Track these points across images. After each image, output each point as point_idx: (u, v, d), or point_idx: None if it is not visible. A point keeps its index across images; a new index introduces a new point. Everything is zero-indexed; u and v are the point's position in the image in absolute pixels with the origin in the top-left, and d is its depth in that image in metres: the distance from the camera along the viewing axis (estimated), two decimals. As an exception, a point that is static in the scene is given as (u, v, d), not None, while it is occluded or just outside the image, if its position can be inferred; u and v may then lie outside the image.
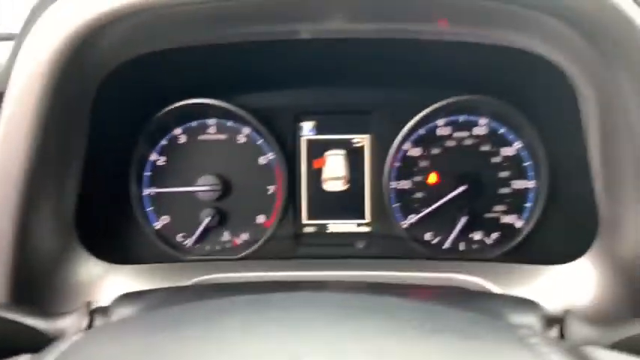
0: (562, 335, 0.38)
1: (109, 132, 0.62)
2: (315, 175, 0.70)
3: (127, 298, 0.45)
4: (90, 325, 0.39)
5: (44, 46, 0.47)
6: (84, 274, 0.60)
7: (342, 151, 0.69)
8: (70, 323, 0.40)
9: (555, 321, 0.40)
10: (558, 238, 0.66)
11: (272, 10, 0.55)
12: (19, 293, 0.51)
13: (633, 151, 0.52)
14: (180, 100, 0.67)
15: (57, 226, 0.60)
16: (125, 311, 0.40)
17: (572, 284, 0.58)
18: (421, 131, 0.67)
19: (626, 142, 0.56)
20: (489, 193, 0.68)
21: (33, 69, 0.49)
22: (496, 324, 0.27)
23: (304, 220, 0.70)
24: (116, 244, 0.66)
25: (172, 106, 0.67)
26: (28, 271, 0.53)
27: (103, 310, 0.41)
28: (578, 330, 0.36)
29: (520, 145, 0.67)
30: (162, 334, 0.24)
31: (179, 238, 0.69)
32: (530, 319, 0.38)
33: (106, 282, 0.61)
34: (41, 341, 0.39)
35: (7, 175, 0.52)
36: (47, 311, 0.43)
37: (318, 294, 0.28)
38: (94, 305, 0.43)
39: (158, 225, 0.69)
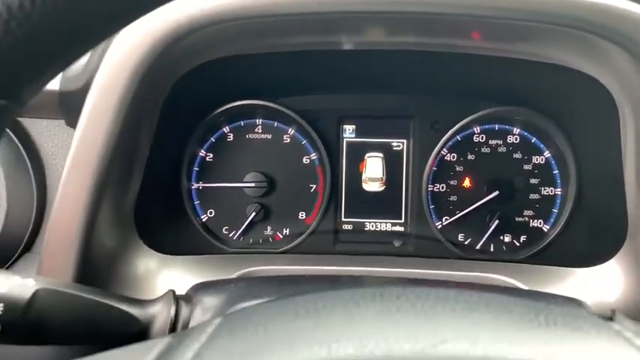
0: None
1: (167, 132, 0.65)
2: (355, 176, 0.73)
3: (204, 286, 0.48)
4: (177, 311, 0.43)
5: (129, 51, 0.51)
6: (142, 265, 0.63)
7: (381, 154, 0.73)
8: (159, 309, 0.44)
9: (605, 319, 0.43)
10: (584, 242, 0.69)
11: (317, 23, 0.58)
12: (85, 283, 0.54)
13: None
14: (231, 101, 0.70)
15: (119, 220, 0.62)
16: (207, 299, 0.44)
17: (599, 286, 0.63)
18: (458, 138, 0.71)
19: None
20: (519, 198, 0.71)
21: (116, 72, 0.52)
22: (585, 315, 0.31)
23: (343, 218, 0.73)
24: (168, 237, 0.69)
25: (224, 107, 0.70)
26: (93, 262, 0.57)
27: (186, 298, 0.44)
28: (629, 327, 0.40)
29: (549, 155, 0.70)
30: (305, 321, 0.28)
31: (224, 230, 0.73)
32: None
33: (161, 272, 0.65)
34: (132, 326, 0.42)
35: (81, 172, 0.55)
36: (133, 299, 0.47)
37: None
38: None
39: (204, 218, 0.72)
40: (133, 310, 0.44)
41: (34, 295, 0.41)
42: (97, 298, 0.45)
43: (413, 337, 0.25)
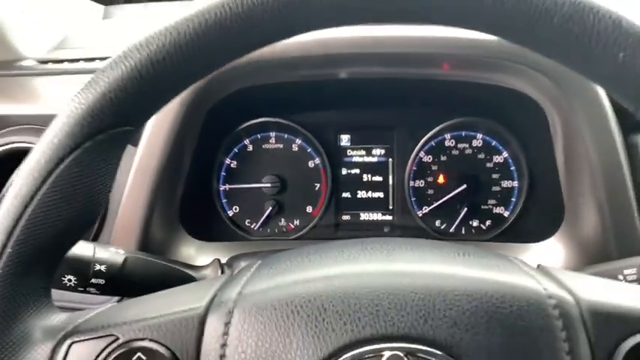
0: None
1: (202, 146, 0.80)
2: (352, 176, 0.88)
3: (239, 256, 0.64)
4: (222, 273, 0.59)
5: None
6: (184, 249, 0.79)
7: (371, 158, 0.87)
8: (210, 272, 0.60)
9: None
10: (535, 224, 0.83)
11: (320, 60, 0.72)
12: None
13: (589, 166, 0.70)
14: (250, 119, 0.86)
15: (168, 216, 0.78)
16: (243, 263, 0.60)
17: (546, 258, 0.78)
18: (432, 143, 0.85)
19: (582, 159, 0.70)
20: (484, 190, 0.85)
21: (170, 109, 0.69)
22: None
23: (343, 211, 0.88)
24: (204, 228, 0.84)
25: (245, 124, 0.86)
26: (150, 248, 0.72)
27: (227, 264, 0.61)
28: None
29: (507, 155, 0.85)
30: (316, 255, 0.43)
31: (246, 223, 0.88)
32: None
33: (199, 255, 0.81)
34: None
35: (141, 181, 0.70)
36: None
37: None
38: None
39: (231, 213, 0.88)
40: (192, 272, 0.61)
41: (125, 260, 0.56)
42: (167, 264, 0.62)
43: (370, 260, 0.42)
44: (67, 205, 0.39)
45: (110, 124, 0.39)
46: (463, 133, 0.85)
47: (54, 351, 0.39)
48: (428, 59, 0.74)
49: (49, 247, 0.40)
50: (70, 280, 0.53)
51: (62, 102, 0.76)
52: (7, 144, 0.75)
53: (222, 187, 0.87)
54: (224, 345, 0.38)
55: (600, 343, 0.37)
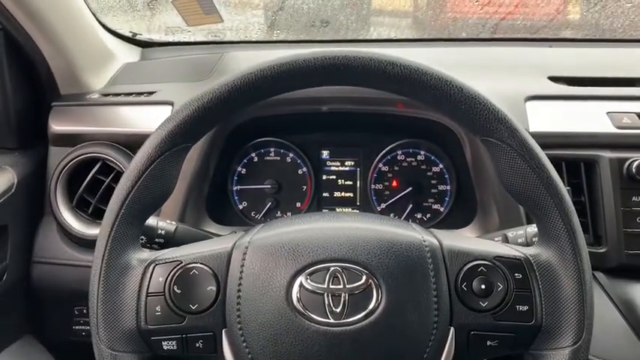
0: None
1: (222, 158, 1.03)
2: (330, 181, 1.08)
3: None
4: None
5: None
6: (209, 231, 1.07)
7: (344, 167, 1.10)
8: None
9: None
10: (460, 216, 1.02)
11: (311, 99, 0.96)
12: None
13: (488, 175, 0.91)
14: (256, 139, 1.06)
15: (198, 207, 0.98)
16: None
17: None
18: (388, 157, 1.06)
19: (483, 171, 0.93)
20: (425, 192, 1.05)
21: None
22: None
23: (323, 206, 1.07)
24: (224, 217, 1.04)
25: (252, 142, 1.07)
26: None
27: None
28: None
29: (442, 166, 1.06)
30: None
31: (252, 214, 1.07)
32: None
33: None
34: None
35: (181, 182, 0.85)
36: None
37: None
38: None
39: (241, 207, 1.08)
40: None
41: (176, 228, 0.77)
42: (203, 232, 0.84)
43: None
44: (153, 188, 0.62)
45: (179, 143, 0.61)
46: (410, 150, 1.06)
47: (144, 272, 0.62)
48: (387, 101, 0.95)
49: (142, 212, 0.64)
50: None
51: (123, 124, 1.03)
52: (84, 154, 0.97)
53: (235, 188, 1.07)
54: (242, 268, 0.61)
55: (451, 268, 0.61)
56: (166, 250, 0.65)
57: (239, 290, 0.59)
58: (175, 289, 0.60)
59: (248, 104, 0.61)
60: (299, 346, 0.58)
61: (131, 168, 0.62)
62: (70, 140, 1.00)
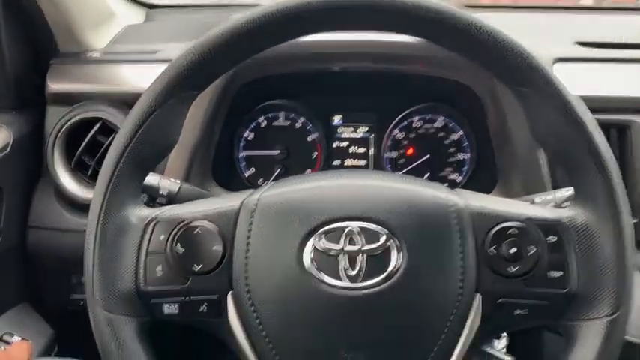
0: None
1: (228, 122, 1.00)
2: (341, 148, 1.07)
3: None
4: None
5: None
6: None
7: (357, 135, 1.07)
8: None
9: None
10: (479, 185, 0.97)
11: (322, 56, 0.93)
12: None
13: (511, 141, 0.88)
14: (265, 101, 1.05)
15: (203, 172, 0.95)
16: None
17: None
18: (404, 123, 1.04)
19: (506, 136, 0.89)
20: (442, 161, 1.01)
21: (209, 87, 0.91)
22: None
23: None
24: (231, 184, 1.03)
25: (260, 105, 1.05)
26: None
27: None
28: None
29: (461, 133, 1.04)
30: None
31: (259, 182, 1.04)
32: None
33: None
34: None
35: (183, 146, 0.88)
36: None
37: None
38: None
39: (247, 174, 1.07)
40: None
41: (180, 188, 0.73)
42: (208, 192, 0.82)
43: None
44: (155, 140, 0.59)
45: (183, 90, 0.57)
46: (428, 116, 1.02)
47: (144, 230, 0.58)
48: (405, 58, 0.92)
49: (142, 165, 0.62)
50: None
51: (125, 83, 1.00)
52: (83, 113, 0.96)
53: (241, 154, 1.04)
54: (250, 227, 0.57)
55: (478, 230, 0.56)
56: (168, 207, 0.62)
57: (247, 251, 0.56)
58: (178, 248, 0.57)
59: (264, 46, 0.57)
60: (311, 311, 0.55)
61: (131, 117, 0.58)
62: (69, 100, 0.96)
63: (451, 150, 1.03)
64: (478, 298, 0.56)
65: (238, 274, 0.56)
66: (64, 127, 0.96)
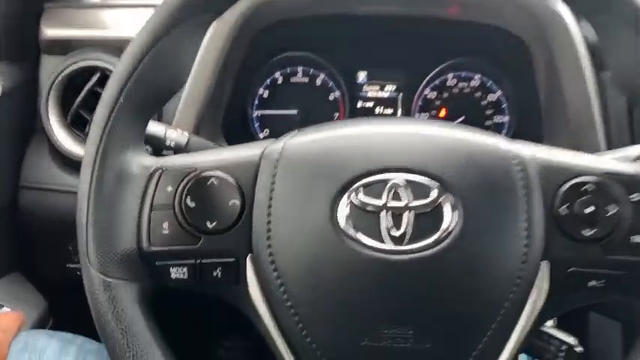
0: None
1: (240, 76, 0.91)
2: (365, 107, 1.00)
3: None
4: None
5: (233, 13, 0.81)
6: None
7: (384, 94, 0.99)
8: None
9: None
10: None
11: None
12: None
13: (564, 100, 0.79)
14: (281, 53, 0.97)
15: (214, 132, 0.88)
16: None
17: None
18: (436, 81, 0.96)
19: (559, 94, 0.80)
20: (478, 124, 0.90)
21: (221, 28, 0.81)
22: None
23: None
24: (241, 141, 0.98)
25: (276, 57, 0.97)
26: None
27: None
28: None
29: (500, 93, 0.96)
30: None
31: None
32: None
33: None
34: None
35: (192, 100, 0.81)
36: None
37: None
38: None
39: (262, 135, 1.00)
40: None
41: (189, 140, 0.68)
42: (220, 146, 0.76)
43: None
44: (160, 73, 0.54)
45: (192, 14, 0.51)
46: (463, 74, 0.95)
47: (148, 180, 0.52)
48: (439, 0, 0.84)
49: (146, 104, 0.54)
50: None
51: (127, 29, 0.90)
52: (81, 61, 0.88)
53: (255, 114, 0.99)
54: (274, 179, 0.51)
55: (547, 186, 0.49)
56: (177, 156, 0.56)
57: (270, 206, 0.49)
58: (188, 201, 0.50)
59: None
60: (345, 278, 0.48)
61: (132, 47, 0.52)
62: (65, 47, 0.90)
63: (488, 112, 0.96)
64: (545, 266, 0.49)
65: (259, 234, 0.49)
66: (60, 76, 0.89)
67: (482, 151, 0.51)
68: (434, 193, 0.48)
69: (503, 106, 0.98)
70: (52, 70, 0.88)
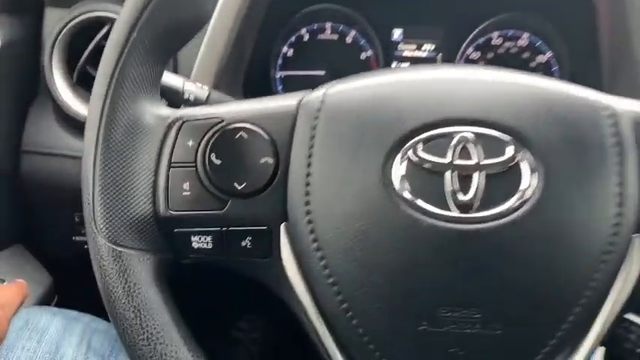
0: None
1: (262, 35, 0.83)
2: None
3: None
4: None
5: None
6: None
7: (421, 53, 0.91)
8: None
9: None
10: None
11: None
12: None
13: (633, 64, 0.72)
14: (308, 5, 0.89)
15: (235, 86, 0.81)
16: None
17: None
18: (480, 40, 0.88)
19: (627, 57, 0.73)
20: None
21: None
22: None
23: None
24: None
25: (302, 12, 0.89)
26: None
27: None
28: None
29: (551, 55, 0.88)
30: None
31: None
32: None
33: None
34: None
35: (212, 52, 0.74)
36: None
37: None
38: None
39: None
40: None
41: (209, 95, 0.61)
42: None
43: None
44: (180, 6, 0.46)
45: None
46: (510, 32, 0.88)
47: (165, 133, 0.45)
48: None
49: (163, 42, 0.46)
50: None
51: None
52: (88, 13, 0.81)
53: (279, 74, 0.92)
54: (313, 133, 0.44)
55: None
56: (199, 107, 0.48)
57: (309, 165, 0.43)
58: (213, 158, 0.44)
59: None
60: (400, 251, 0.41)
61: None
62: None
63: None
64: (639, 240, 0.42)
65: (296, 198, 0.43)
66: (65, 30, 0.81)
67: (566, 101, 0.43)
68: (510, 150, 0.41)
69: (553, 69, 0.89)
70: (56, 23, 0.83)
